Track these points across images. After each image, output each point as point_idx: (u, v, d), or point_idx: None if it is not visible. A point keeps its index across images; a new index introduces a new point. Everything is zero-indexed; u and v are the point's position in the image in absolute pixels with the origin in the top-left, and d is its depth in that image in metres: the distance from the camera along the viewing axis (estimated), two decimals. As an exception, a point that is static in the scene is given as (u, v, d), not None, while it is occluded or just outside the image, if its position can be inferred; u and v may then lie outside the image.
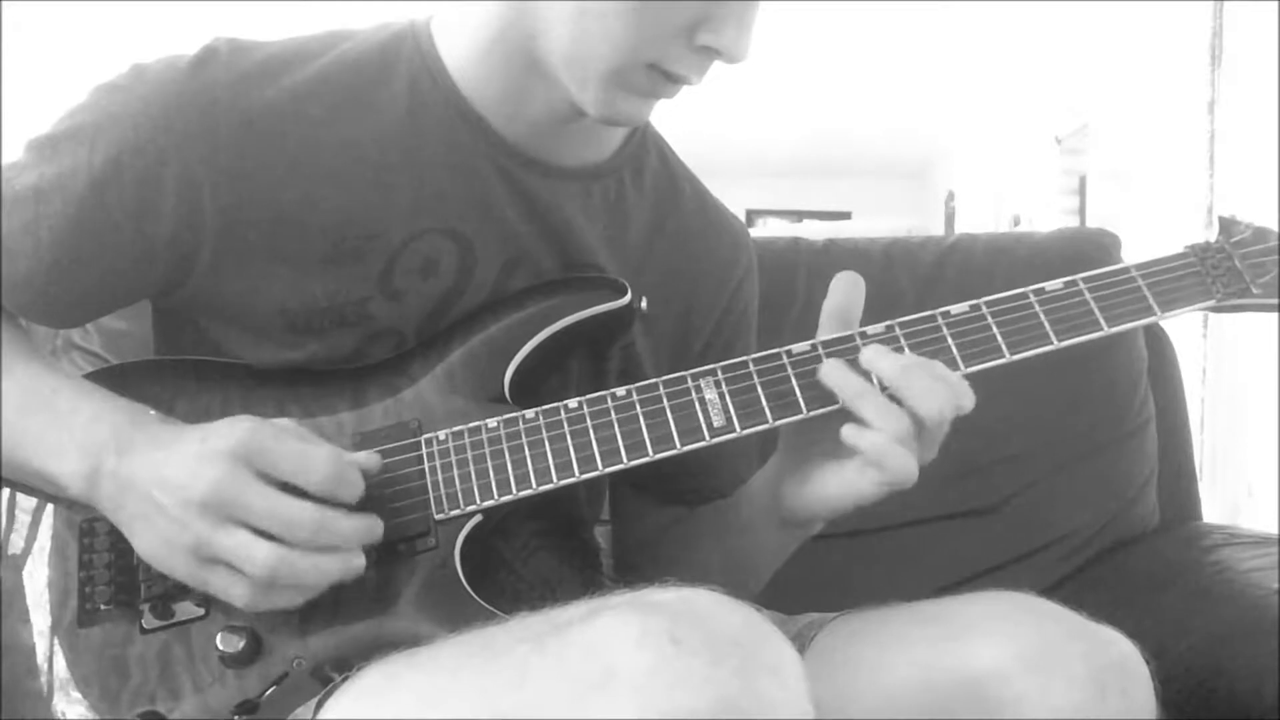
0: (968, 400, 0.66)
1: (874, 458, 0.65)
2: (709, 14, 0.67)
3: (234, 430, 0.63)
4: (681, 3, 0.66)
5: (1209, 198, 3.00)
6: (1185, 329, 2.83)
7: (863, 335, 0.69)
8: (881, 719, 0.66)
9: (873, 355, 0.67)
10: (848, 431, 0.65)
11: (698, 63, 0.69)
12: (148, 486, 0.63)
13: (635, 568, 0.92)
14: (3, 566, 0.71)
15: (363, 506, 0.65)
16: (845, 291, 0.71)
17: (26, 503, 0.72)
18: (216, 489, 0.61)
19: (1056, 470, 1.26)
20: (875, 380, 0.67)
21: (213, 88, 0.70)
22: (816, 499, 0.71)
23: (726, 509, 0.84)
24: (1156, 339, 1.33)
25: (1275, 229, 0.72)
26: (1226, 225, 0.73)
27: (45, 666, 0.68)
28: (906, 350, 0.68)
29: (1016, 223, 5.05)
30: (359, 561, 0.64)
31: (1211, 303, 0.70)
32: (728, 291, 0.90)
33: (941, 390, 0.65)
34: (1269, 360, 2.57)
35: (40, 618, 0.69)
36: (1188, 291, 0.70)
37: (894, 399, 0.65)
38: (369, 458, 0.67)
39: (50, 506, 0.72)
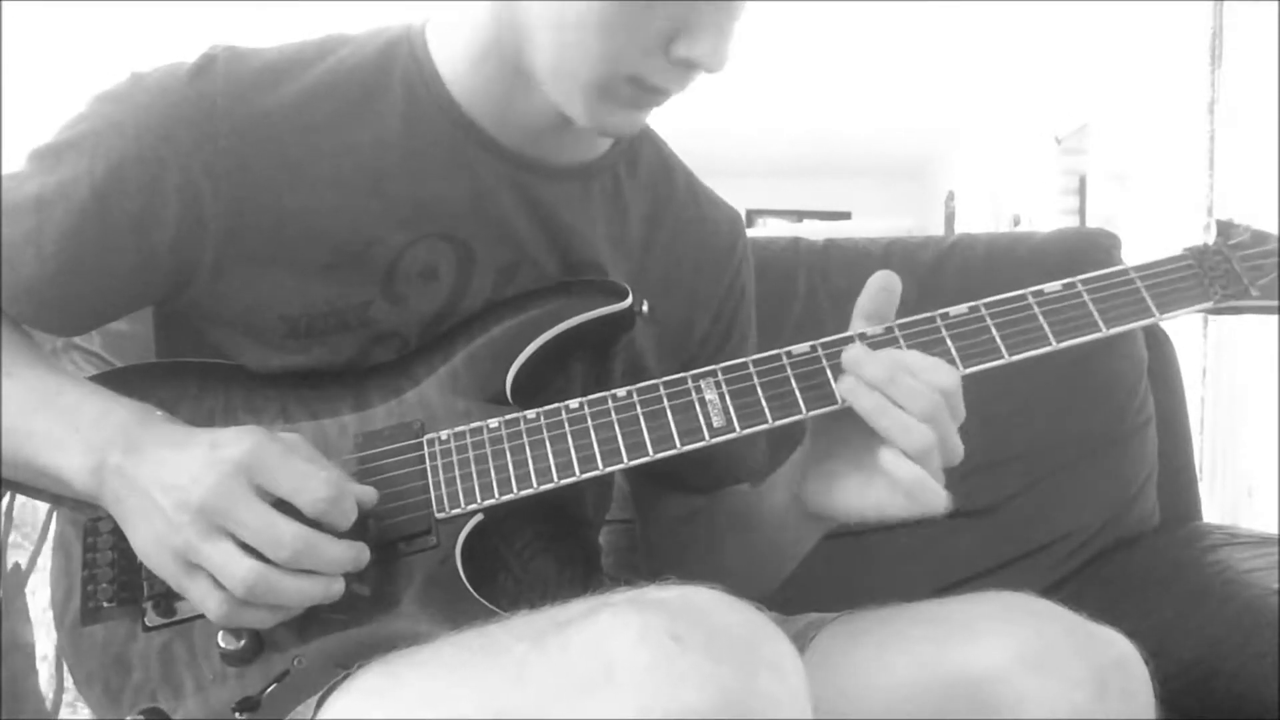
0: (944, 380, 0.65)
1: (906, 488, 0.65)
2: (684, 25, 0.66)
3: (242, 440, 0.63)
4: (656, 13, 0.65)
5: (1209, 198, 3.00)
6: (1186, 329, 2.83)
7: (862, 337, 0.70)
8: (882, 719, 0.66)
9: (857, 358, 0.67)
10: (886, 458, 0.65)
11: (677, 75, 0.69)
12: (149, 485, 0.63)
13: (663, 559, 0.92)
14: (2, 570, 0.71)
15: (364, 505, 0.66)
16: (876, 294, 0.71)
17: (23, 517, 0.72)
18: (212, 496, 0.61)
19: (1056, 470, 1.26)
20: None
21: (212, 95, 0.70)
22: (841, 505, 0.71)
23: (749, 502, 0.85)
24: (1156, 339, 1.33)
25: (1273, 232, 0.72)
26: (1224, 228, 0.73)
27: (49, 690, 0.68)
28: None
29: (1016, 223, 5.05)
30: (338, 587, 0.64)
31: (1209, 304, 0.70)
32: (727, 276, 0.91)
33: (922, 389, 0.64)
34: (1269, 360, 2.57)
35: (42, 634, 0.69)
36: (1186, 293, 0.70)
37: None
38: (367, 491, 0.67)
39: (53, 526, 0.72)
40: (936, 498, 0.65)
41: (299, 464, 0.63)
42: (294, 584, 0.62)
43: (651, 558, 0.96)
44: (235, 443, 0.63)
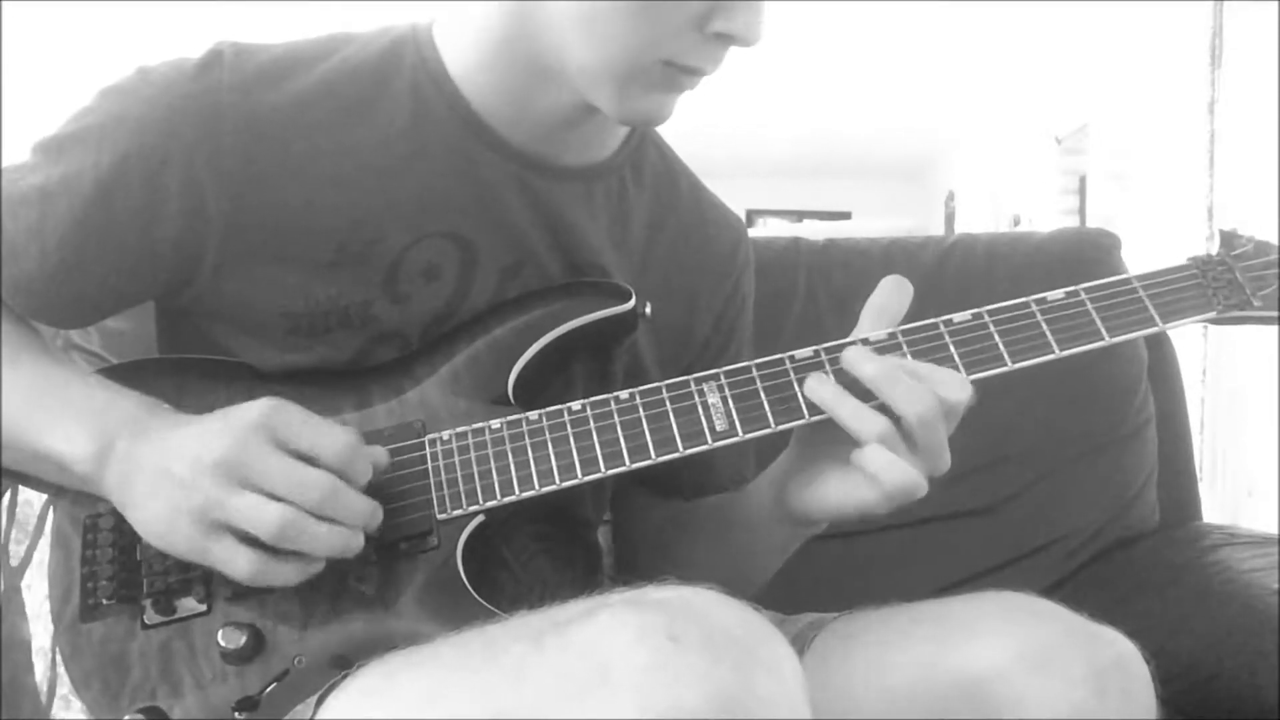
0: (954, 393, 0.65)
1: (871, 471, 0.65)
2: (718, 1, 0.66)
3: (255, 404, 0.64)
4: None
5: (1209, 198, 3.00)
6: (1186, 330, 2.82)
7: (865, 342, 0.69)
8: (882, 719, 0.66)
9: (855, 357, 0.67)
10: (856, 454, 0.66)
11: (712, 52, 0.69)
12: (162, 459, 0.63)
13: (638, 566, 0.92)
14: (3, 567, 0.71)
15: (378, 467, 0.66)
16: (889, 293, 0.71)
17: (26, 514, 0.72)
18: (233, 451, 0.62)
19: (1056, 470, 1.26)
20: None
21: (217, 91, 0.70)
22: (819, 502, 0.71)
23: (729, 506, 0.85)
24: (1157, 339, 1.33)
25: (1276, 243, 0.73)
26: (1228, 238, 0.73)
27: (44, 686, 0.68)
28: (910, 357, 0.68)
29: (1016, 223, 5.05)
30: (358, 541, 0.64)
31: (1212, 314, 0.70)
32: (729, 284, 0.91)
33: (920, 392, 0.64)
34: (1269, 361, 2.58)
35: (40, 630, 0.69)
36: (1189, 303, 0.70)
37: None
38: (380, 452, 0.67)
39: (50, 518, 0.72)
40: (900, 476, 0.64)
41: (316, 420, 0.64)
42: (322, 529, 0.62)
43: (629, 563, 0.96)
44: (248, 406, 0.64)
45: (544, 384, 0.76)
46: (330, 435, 0.64)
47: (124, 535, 0.67)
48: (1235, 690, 0.93)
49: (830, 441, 0.70)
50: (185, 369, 0.76)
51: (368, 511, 0.64)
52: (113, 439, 0.65)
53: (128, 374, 0.75)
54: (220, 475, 0.61)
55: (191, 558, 0.64)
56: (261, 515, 0.61)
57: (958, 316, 0.70)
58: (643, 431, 0.69)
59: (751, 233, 0.99)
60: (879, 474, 0.64)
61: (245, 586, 0.64)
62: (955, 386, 0.65)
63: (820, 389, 0.67)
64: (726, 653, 0.49)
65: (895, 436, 0.65)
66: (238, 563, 0.62)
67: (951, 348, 0.69)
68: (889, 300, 0.71)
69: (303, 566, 0.63)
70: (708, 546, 0.86)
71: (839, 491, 0.69)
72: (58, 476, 0.69)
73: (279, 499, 0.61)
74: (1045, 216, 4.53)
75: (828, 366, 0.69)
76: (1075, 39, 4.06)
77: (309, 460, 0.63)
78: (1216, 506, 2.83)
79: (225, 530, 0.62)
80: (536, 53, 0.72)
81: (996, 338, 0.69)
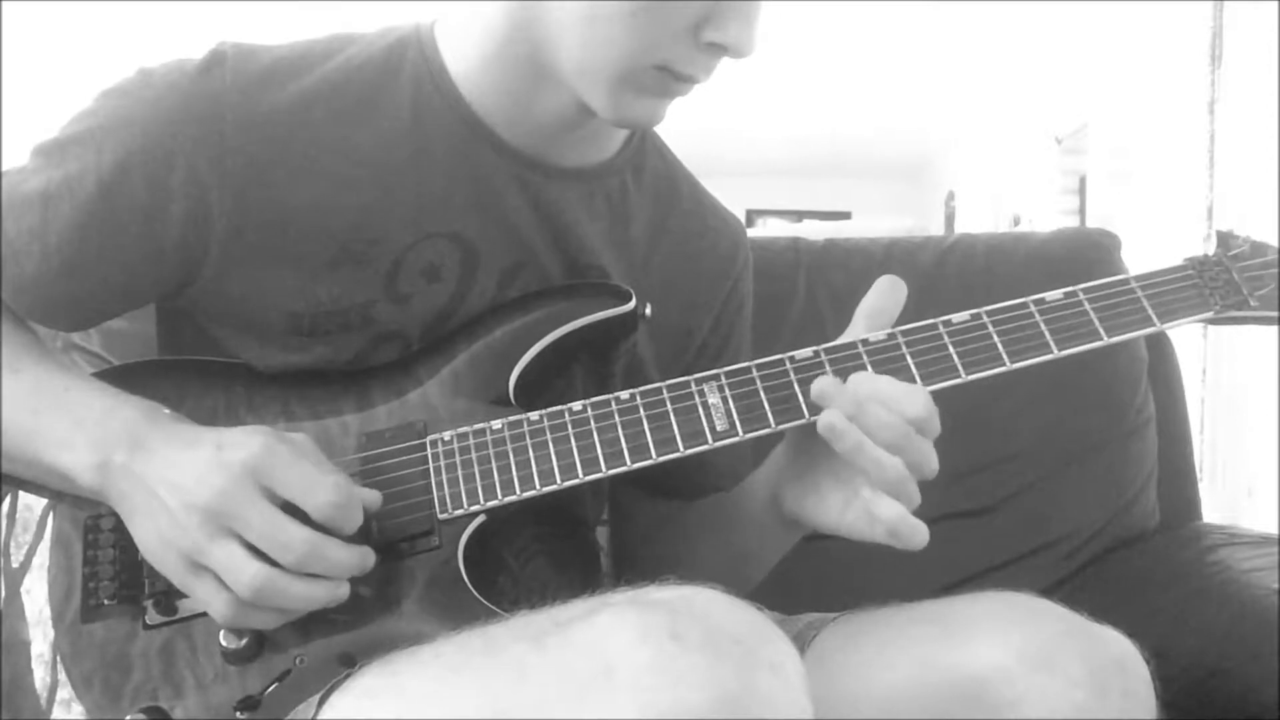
0: (913, 410, 0.64)
1: (889, 526, 0.65)
2: (713, 11, 0.67)
3: (249, 442, 0.63)
4: (686, 2, 0.66)
5: (1209, 198, 3.00)
6: (1185, 330, 2.82)
7: (865, 343, 0.70)
8: (881, 719, 0.66)
9: (827, 392, 0.66)
10: (868, 495, 0.66)
11: (705, 61, 0.70)
12: (155, 483, 0.63)
13: (634, 564, 0.92)
14: (3, 570, 0.71)
15: (369, 510, 0.66)
16: (884, 294, 0.71)
17: (26, 517, 0.72)
18: (220, 499, 0.61)
19: (1056, 470, 1.26)
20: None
21: (219, 92, 0.70)
22: (816, 518, 0.72)
23: (725, 503, 0.85)
24: (1156, 339, 1.33)
25: (1272, 244, 0.73)
26: (1224, 239, 0.73)
27: (45, 688, 0.68)
28: (909, 358, 0.69)
29: (1016, 223, 5.05)
30: (343, 591, 0.64)
31: (1210, 314, 0.70)
32: (726, 287, 0.91)
33: (889, 420, 0.64)
34: (1269, 360, 2.58)
35: (41, 632, 0.69)
36: (1186, 303, 0.70)
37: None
38: (372, 496, 0.67)
39: (51, 520, 0.72)
40: (918, 535, 0.65)
41: (307, 467, 0.63)
42: (301, 588, 0.62)
43: (625, 560, 0.96)
44: (243, 444, 0.63)
45: (544, 384, 0.76)
46: (318, 484, 0.62)
47: (125, 535, 0.67)
48: (1235, 690, 0.93)
49: (825, 454, 0.70)
50: (185, 370, 0.76)
51: (354, 563, 0.64)
52: (111, 452, 0.65)
53: (127, 375, 0.75)
54: (207, 522, 0.61)
55: (180, 588, 0.64)
56: (239, 573, 0.61)
57: (956, 317, 0.70)
58: (643, 431, 0.69)
59: (751, 233, 0.99)
60: (894, 529, 0.65)
61: None
62: (914, 402, 0.65)
63: (839, 425, 0.65)
64: (729, 652, 0.49)
65: (910, 480, 0.65)
66: (214, 606, 0.63)
67: (950, 348, 0.69)
68: (884, 301, 0.71)
69: (280, 614, 0.63)
70: (704, 546, 0.86)
71: (840, 520, 0.70)
72: (60, 485, 0.69)
73: (261, 552, 0.61)
74: (1045, 216, 4.53)
75: (827, 367, 0.69)
76: (1075, 39, 4.06)
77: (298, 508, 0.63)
78: (1216, 506, 2.82)
79: (208, 572, 0.62)
80: (536, 53, 0.72)
81: (995, 338, 0.69)
